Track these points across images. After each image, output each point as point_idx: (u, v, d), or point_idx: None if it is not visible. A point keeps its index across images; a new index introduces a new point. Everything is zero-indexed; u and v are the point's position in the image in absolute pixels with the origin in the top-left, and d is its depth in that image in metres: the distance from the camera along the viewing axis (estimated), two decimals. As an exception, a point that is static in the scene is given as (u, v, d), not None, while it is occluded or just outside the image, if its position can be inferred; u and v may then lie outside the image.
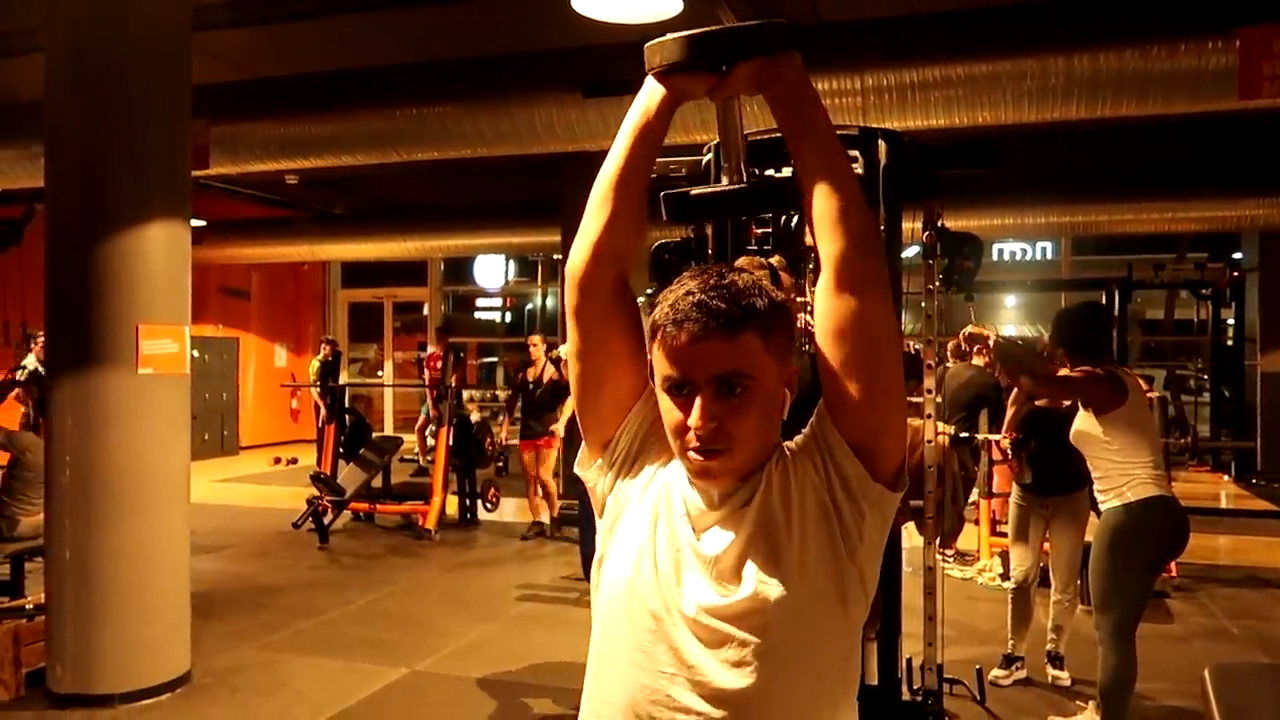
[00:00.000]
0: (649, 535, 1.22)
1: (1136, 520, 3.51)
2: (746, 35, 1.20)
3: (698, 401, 1.13)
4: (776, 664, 1.13)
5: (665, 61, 1.20)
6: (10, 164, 7.27)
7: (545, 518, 7.69)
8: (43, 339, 8.68)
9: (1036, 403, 4.54)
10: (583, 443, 1.33)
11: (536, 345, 7.84)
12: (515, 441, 8.27)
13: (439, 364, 9.56)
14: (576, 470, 1.34)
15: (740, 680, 1.13)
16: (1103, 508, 3.62)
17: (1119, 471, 3.56)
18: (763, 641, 1.13)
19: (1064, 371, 3.78)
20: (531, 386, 7.66)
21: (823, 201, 1.15)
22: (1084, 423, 3.68)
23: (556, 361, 7.49)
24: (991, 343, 4.11)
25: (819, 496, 1.17)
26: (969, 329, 4.51)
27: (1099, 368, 3.66)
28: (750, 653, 1.13)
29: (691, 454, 1.16)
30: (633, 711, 1.17)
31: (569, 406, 7.01)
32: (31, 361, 8.67)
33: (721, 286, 1.14)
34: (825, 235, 1.15)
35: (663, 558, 1.20)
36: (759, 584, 1.14)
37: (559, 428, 7.38)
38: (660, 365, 1.17)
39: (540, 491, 7.65)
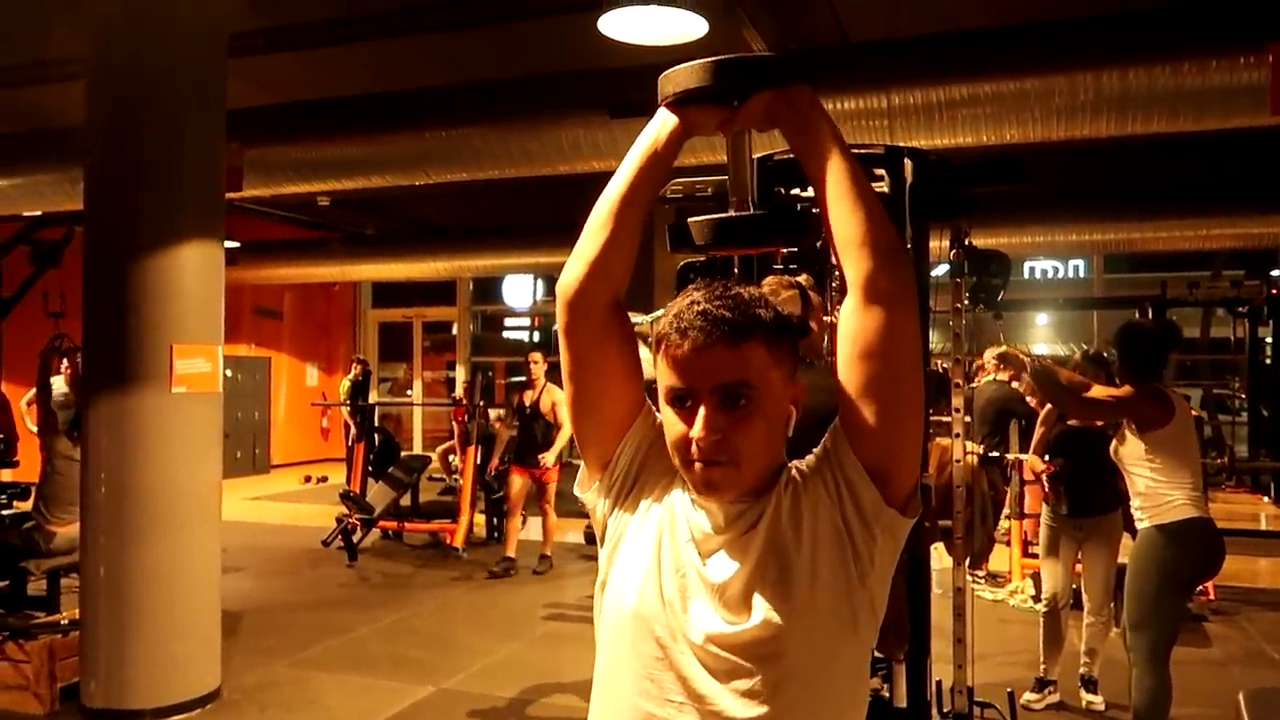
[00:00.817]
0: (653, 559, 1.19)
1: (1173, 542, 3.48)
2: (757, 68, 1.20)
3: (700, 412, 1.11)
4: (788, 693, 1.11)
5: (677, 91, 1.20)
6: (51, 187, 7.43)
7: (548, 549, 7.28)
8: (68, 362, 8.84)
9: (1069, 422, 4.49)
10: (582, 464, 1.31)
11: (537, 363, 7.34)
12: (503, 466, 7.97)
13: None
14: (577, 491, 1.32)
15: (751, 710, 1.11)
16: (1139, 527, 3.58)
17: (1158, 491, 3.52)
18: (774, 671, 1.11)
19: (1099, 390, 3.74)
20: (529, 410, 7.25)
21: (844, 225, 1.13)
22: (1127, 441, 3.65)
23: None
24: (1028, 368, 4.05)
25: (831, 519, 1.15)
26: (999, 349, 4.45)
27: (1147, 385, 3.62)
28: (761, 683, 1.11)
29: (695, 466, 1.14)
30: None
31: (564, 436, 6.88)
32: (60, 384, 8.80)
33: (727, 296, 1.13)
34: (850, 256, 1.13)
35: (668, 583, 1.17)
36: (769, 613, 1.12)
37: (549, 458, 7.02)
38: (663, 376, 1.16)
39: (522, 522, 7.34)
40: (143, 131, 4.32)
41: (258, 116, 6.65)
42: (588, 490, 1.30)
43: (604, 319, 1.23)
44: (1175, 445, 3.54)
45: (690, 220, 1.31)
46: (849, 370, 1.14)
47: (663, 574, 1.18)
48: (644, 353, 1.40)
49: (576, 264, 1.23)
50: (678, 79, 1.20)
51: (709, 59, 1.19)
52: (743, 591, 1.13)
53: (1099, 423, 4.41)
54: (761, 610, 1.12)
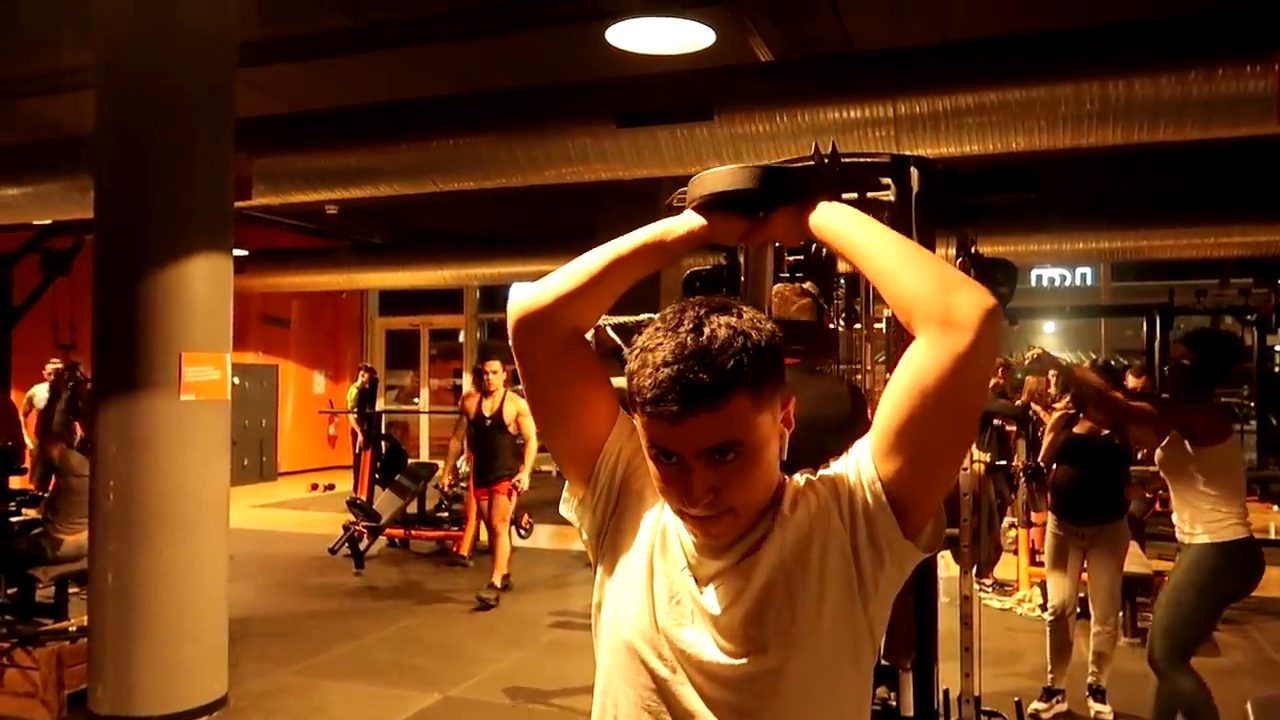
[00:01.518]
0: (645, 584, 1.15)
1: (1227, 561, 3.44)
2: (783, 181, 1.20)
3: (690, 479, 1.04)
4: None
5: (704, 194, 1.20)
6: (60, 196, 7.47)
7: (497, 579, 6.54)
8: (51, 368, 8.86)
9: (1075, 429, 4.48)
10: (565, 483, 1.26)
11: (495, 372, 6.73)
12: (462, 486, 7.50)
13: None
14: (562, 511, 1.27)
15: None
16: (1189, 542, 3.52)
17: (1212, 507, 3.46)
18: (773, 703, 1.07)
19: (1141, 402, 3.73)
20: (488, 422, 6.66)
21: (916, 305, 1.06)
22: (1177, 452, 3.55)
23: None
24: (1074, 376, 4.03)
25: (841, 544, 1.10)
26: (1035, 351, 4.34)
27: (1210, 398, 3.58)
28: (760, 715, 1.08)
29: (690, 522, 1.09)
30: None
31: (533, 449, 6.46)
32: (43, 390, 8.86)
33: (700, 352, 1.02)
34: (916, 305, 1.06)
35: (664, 612, 1.13)
36: (769, 644, 1.07)
37: (524, 480, 6.52)
38: (642, 433, 1.09)
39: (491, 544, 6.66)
40: (152, 140, 4.35)
41: (267, 126, 6.69)
42: (572, 510, 1.26)
43: (563, 343, 1.19)
44: (1230, 461, 3.50)
45: (691, 182, 1.28)
46: (905, 401, 1.05)
47: (656, 600, 1.14)
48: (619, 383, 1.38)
49: (546, 292, 1.19)
50: (706, 182, 1.20)
51: (740, 166, 1.20)
52: (742, 623, 1.09)
53: (1104, 431, 4.40)
54: (761, 643, 1.08)
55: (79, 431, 8.37)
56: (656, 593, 1.14)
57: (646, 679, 1.12)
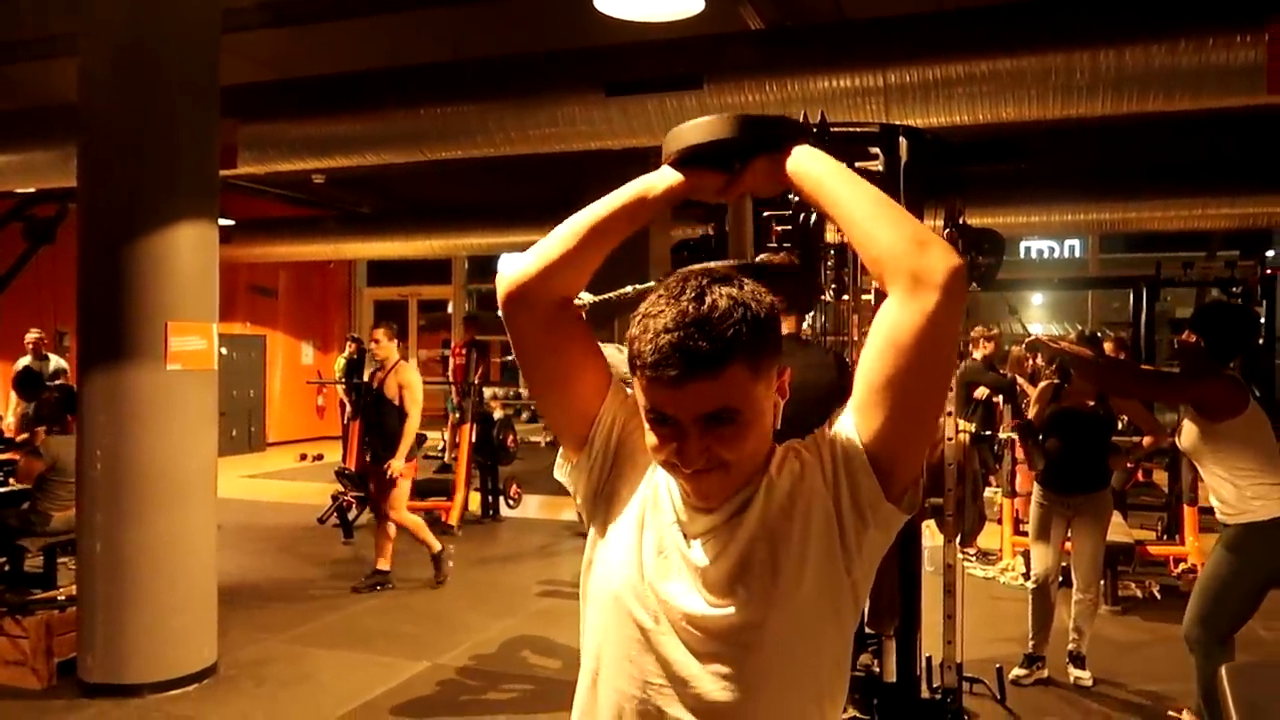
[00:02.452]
0: (635, 539, 1.18)
1: (1265, 541, 3.34)
2: (758, 130, 1.20)
3: (685, 442, 1.07)
4: (768, 677, 1.10)
5: (680, 148, 1.20)
6: (45, 164, 7.39)
7: (386, 563, 5.98)
8: (31, 337, 8.77)
9: (1063, 403, 4.51)
10: (560, 447, 1.28)
11: (379, 342, 6.06)
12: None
13: (463, 352, 9.41)
14: (556, 475, 1.29)
15: (730, 694, 1.10)
16: (1228, 522, 3.42)
17: (1247, 484, 3.35)
18: (755, 656, 1.10)
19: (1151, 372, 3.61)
20: (372, 395, 6.10)
21: (886, 257, 1.09)
22: (1198, 431, 3.46)
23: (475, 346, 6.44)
24: (1068, 357, 3.98)
25: (825, 506, 1.12)
26: (1030, 339, 4.29)
27: (1224, 370, 3.48)
28: (740, 669, 1.10)
29: (683, 477, 1.11)
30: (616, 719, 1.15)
31: (411, 429, 5.87)
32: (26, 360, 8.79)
33: (700, 320, 1.04)
34: (888, 260, 1.08)
35: (651, 565, 1.15)
36: (751, 599, 1.10)
37: (396, 464, 5.77)
38: (640, 397, 1.11)
39: (390, 530, 6.03)
40: (136, 108, 4.30)
41: (252, 93, 6.61)
42: (566, 474, 1.28)
43: (552, 310, 1.20)
44: (1251, 436, 3.37)
45: (667, 136, 1.27)
46: (880, 360, 1.08)
47: (644, 554, 1.16)
48: (609, 351, 1.38)
49: (532, 265, 1.19)
50: (682, 136, 1.21)
51: (714, 118, 1.20)
52: (727, 576, 1.12)
53: (1089, 402, 4.44)
54: (744, 596, 1.10)
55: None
56: (645, 547, 1.17)
57: (633, 630, 1.15)
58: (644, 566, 1.16)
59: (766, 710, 1.11)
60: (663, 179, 1.21)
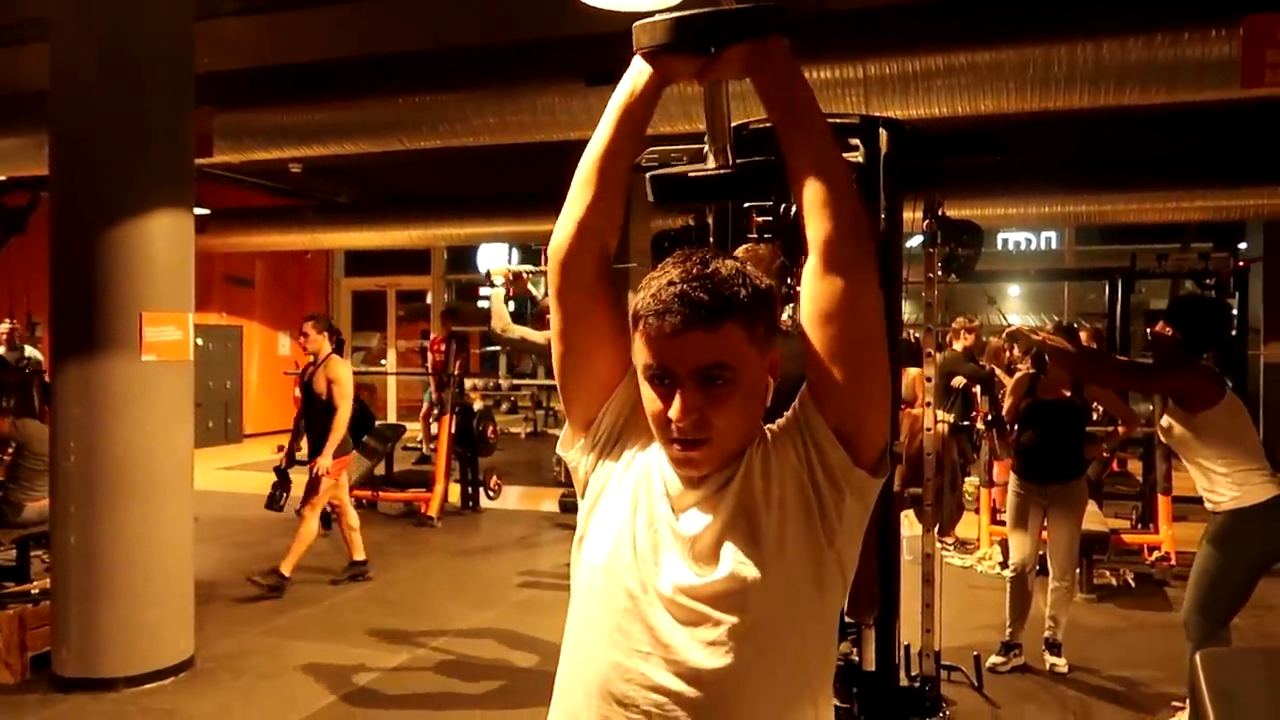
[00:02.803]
0: (628, 515, 1.22)
1: (1254, 524, 3.36)
2: (736, 17, 1.20)
3: (679, 395, 1.12)
4: (752, 645, 1.13)
5: (653, 42, 1.20)
6: (17, 152, 7.29)
7: (286, 567, 5.65)
8: (5, 327, 8.65)
9: (1039, 394, 4.55)
10: (566, 423, 1.33)
11: (310, 335, 6.07)
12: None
13: (442, 347, 9.40)
14: (559, 451, 1.34)
15: (715, 660, 1.13)
16: (1215, 510, 3.45)
17: (1230, 470, 3.39)
18: (739, 622, 1.13)
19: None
20: (305, 390, 6.03)
21: (811, 187, 1.15)
22: (1178, 423, 3.48)
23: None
24: (1047, 349, 3.99)
25: (799, 480, 1.17)
26: (1011, 329, 4.30)
27: (1199, 362, 3.50)
28: (726, 633, 1.13)
29: (674, 445, 1.16)
30: (607, 690, 1.17)
31: (340, 427, 5.74)
32: None
33: (704, 276, 1.12)
34: (813, 219, 1.15)
35: (641, 537, 1.20)
36: (736, 565, 1.14)
37: (324, 462, 5.66)
38: (641, 354, 1.16)
39: (351, 521, 6.02)
40: (109, 95, 4.24)
41: (228, 81, 6.54)
42: (571, 449, 1.32)
43: (593, 279, 1.25)
44: (1231, 425, 3.41)
45: (659, 174, 1.30)
46: (811, 332, 1.16)
47: (636, 528, 1.21)
48: None
49: (565, 224, 1.25)
50: (654, 29, 1.20)
51: (685, 11, 1.19)
52: (712, 545, 1.16)
53: (1065, 392, 4.47)
54: (729, 563, 1.14)
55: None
56: (637, 521, 1.21)
57: (622, 599, 1.18)
58: (635, 539, 1.20)
59: (751, 676, 1.14)
60: (641, 73, 1.22)
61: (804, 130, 1.17)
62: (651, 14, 1.20)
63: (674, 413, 1.12)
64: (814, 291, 1.15)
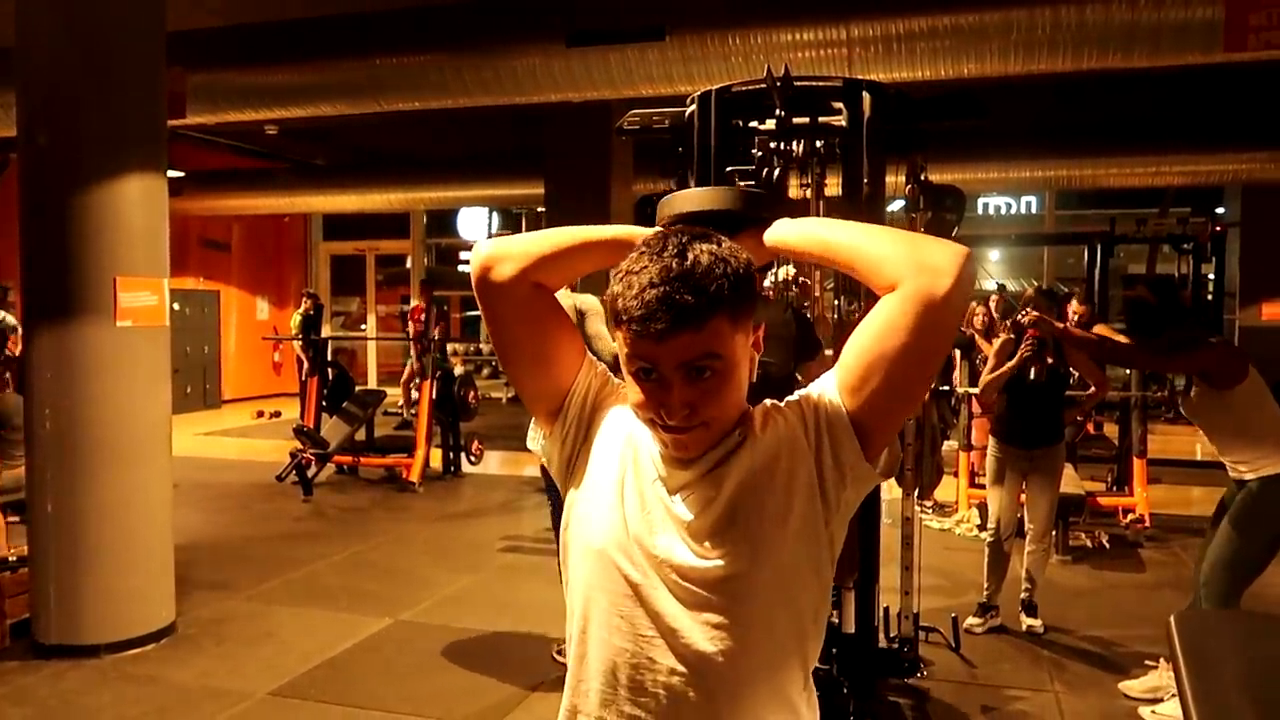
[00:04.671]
0: (617, 497, 1.21)
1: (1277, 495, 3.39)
2: (755, 207, 1.28)
3: (669, 392, 1.11)
4: (754, 628, 1.14)
5: (674, 214, 1.27)
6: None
7: None
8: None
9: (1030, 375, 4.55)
10: (531, 419, 1.32)
11: None
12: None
13: (423, 316, 9.38)
14: (529, 445, 1.34)
15: (720, 643, 1.13)
16: (1247, 477, 3.45)
17: (1255, 443, 3.41)
18: (744, 605, 1.14)
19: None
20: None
21: (878, 267, 1.13)
22: (1205, 400, 3.50)
23: None
24: (1069, 338, 4.00)
25: (807, 466, 1.16)
26: (1035, 316, 4.27)
27: (1220, 339, 3.52)
28: (730, 617, 1.13)
29: (664, 433, 1.14)
30: (612, 674, 1.18)
31: None
32: None
33: (685, 274, 1.08)
34: (892, 270, 1.12)
35: (635, 521, 1.19)
36: (741, 549, 1.14)
37: None
38: (623, 349, 1.14)
39: None
40: (77, 53, 4.14)
41: (201, 40, 6.41)
42: (538, 443, 1.32)
43: (527, 295, 1.23)
44: (1260, 394, 3.44)
45: (660, 202, 1.34)
46: (879, 336, 1.12)
47: (627, 510, 1.19)
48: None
49: (509, 260, 1.21)
50: (675, 205, 1.29)
51: (708, 189, 1.29)
52: (714, 528, 1.15)
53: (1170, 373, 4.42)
54: (732, 547, 1.14)
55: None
56: (628, 504, 1.20)
57: (622, 585, 1.17)
58: (628, 522, 1.19)
59: (754, 657, 1.15)
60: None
61: (844, 254, 1.18)
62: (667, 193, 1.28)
63: (666, 411, 1.11)
64: (900, 302, 1.10)
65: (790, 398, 1.23)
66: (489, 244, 1.24)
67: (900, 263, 1.11)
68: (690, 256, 1.10)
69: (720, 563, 1.14)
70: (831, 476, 1.16)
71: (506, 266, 1.21)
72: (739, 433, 1.18)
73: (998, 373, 4.56)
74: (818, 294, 4.32)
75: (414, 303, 10.91)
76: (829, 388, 1.18)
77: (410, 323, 10.38)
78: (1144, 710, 3.61)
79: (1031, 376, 4.49)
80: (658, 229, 1.22)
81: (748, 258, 1.15)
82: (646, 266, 1.10)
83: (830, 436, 1.16)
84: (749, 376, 1.18)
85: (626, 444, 1.24)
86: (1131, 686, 3.77)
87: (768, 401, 1.23)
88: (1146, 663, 3.90)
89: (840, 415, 1.16)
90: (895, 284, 1.10)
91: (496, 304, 1.23)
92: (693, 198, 1.28)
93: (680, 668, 1.14)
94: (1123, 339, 3.85)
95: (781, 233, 1.23)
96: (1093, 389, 4.99)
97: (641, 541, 1.17)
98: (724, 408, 1.14)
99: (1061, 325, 4.06)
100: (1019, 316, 4.43)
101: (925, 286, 1.08)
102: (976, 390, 6.52)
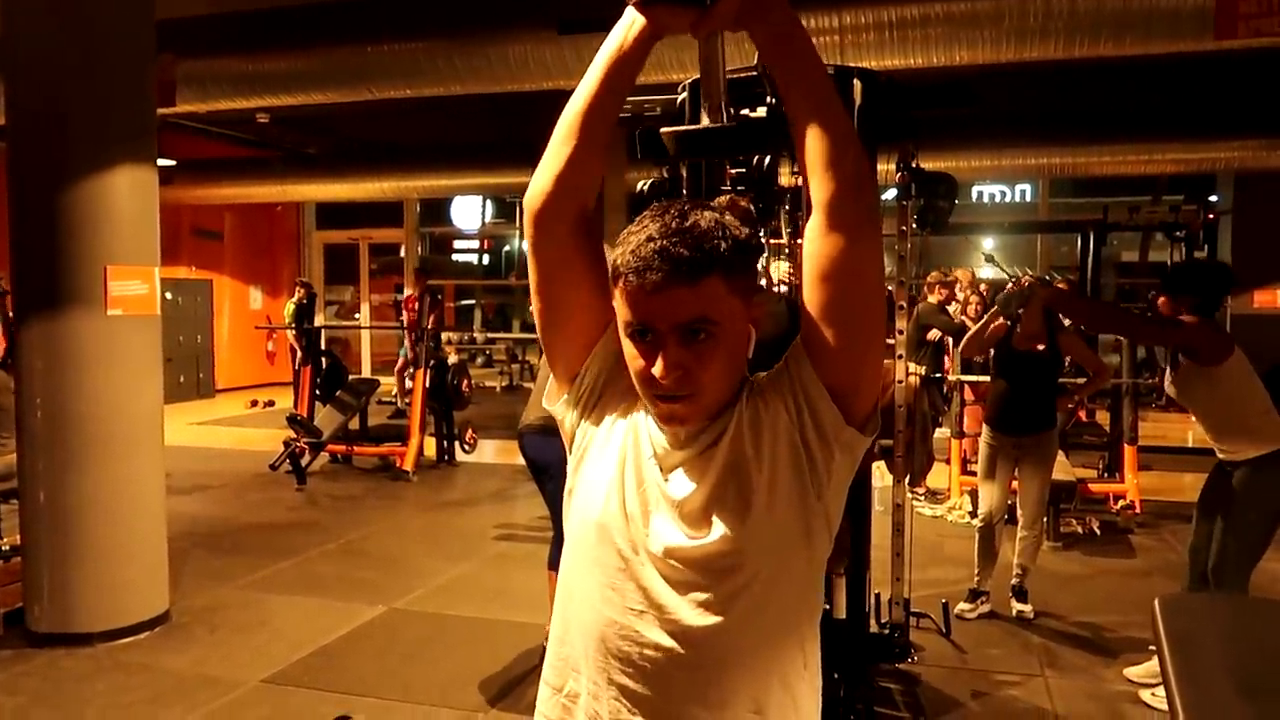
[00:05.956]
0: (616, 474, 1.22)
1: (1277, 470, 3.40)
2: None
3: (662, 351, 1.11)
4: (743, 604, 1.15)
5: None
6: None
7: None
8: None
9: (1014, 344, 4.57)
10: (550, 376, 1.32)
11: None
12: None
13: (416, 305, 9.36)
14: (545, 404, 1.33)
15: (707, 619, 1.14)
16: (1239, 459, 3.46)
17: (1243, 422, 3.42)
18: (730, 584, 1.14)
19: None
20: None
21: (814, 143, 1.10)
22: (1190, 378, 3.50)
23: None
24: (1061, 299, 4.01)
25: (790, 437, 1.16)
26: (1060, 282, 4.29)
27: (1210, 319, 3.51)
28: (717, 594, 1.15)
29: (658, 401, 1.15)
30: (602, 643, 1.19)
31: None
32: None
33: (683, 231, 1.10)
34: (817, 177, 1.11)
35: (630, 498, 1.20)
36: (726, 529, 1.14)
37: None
38: (622, 310, 1.15)
39: None
40: (66, 42, 4.11)
41: (191, 26, 6.37)
42: (556, 402, 1.31)
43: (571, 234, 1.21)
44: (1245, 374, 3.44)
45: (663, 131, 1.26)
46: (812, 291, 1.14)
47: (625, 487, 1.20)
48: None
49: (543, 178, 1.21)
50: None
51: None
52: (702, 507, 1.16)
53: (1040, 346, 4.51)
54: (720, 526, 1.15)
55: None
56: (626, 481, 1.21)
57: (615, 559, 1.19)
58: (625, 500, 1.20)
59: (743, 632, 1.16)
60: (633, 25, 1.17)
61: (805, 82, 1.12)
62: None
63: (657, 370, 1.11)
64: (816, 250, 1.12)
65: (771, 372, 1.23)
66: (530, 188, 1.23)
67: (824, 190, 1.10)
68: (691, 218, 1.11)
69: (708, 541, 1.15)
70: (817, 446, 1.16)
71: (546, 189, 1.20)
72: (730, 411, 1.18)
73: (980, 322, 4.60)
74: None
75: (408, 292, 10.89)
76: (798, 354, 1.18)
77: (404, 312, 10.37)
78: (1145, 694, 3.64)
79: (1018, 329, 4.49)
80: (635, 19, 1.15)
81: (750, 230, 1.15)
82: (647, 226, 1.12)
83: (809, 405, 1.16)
84: (746, 351, 1.18)
85: (630, 420, 1.25)
86: (1134, 672, 3.80)
87: (760, 375, 1.24)
88: (1150, 648, 3.92)
89: (813, 381, 1.16)
90: (807, 179, 1.12)
91: (548, 245, 1.22)
92: None
93: (667, 642, 1.15)
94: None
95: (778, 10, 1.12)
96: (1091, 376, 5.00)
97: (635, 520, 1.19)
98: (716, 375, 1.14)
99: (1058, 286, 4.07)
100: (1013, 284, 4.47)
101: (833, 239, 1.10)
102: (971, 378, 6.55)
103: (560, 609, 1.28)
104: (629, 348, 1.15)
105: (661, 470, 1.20)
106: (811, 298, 1.14)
